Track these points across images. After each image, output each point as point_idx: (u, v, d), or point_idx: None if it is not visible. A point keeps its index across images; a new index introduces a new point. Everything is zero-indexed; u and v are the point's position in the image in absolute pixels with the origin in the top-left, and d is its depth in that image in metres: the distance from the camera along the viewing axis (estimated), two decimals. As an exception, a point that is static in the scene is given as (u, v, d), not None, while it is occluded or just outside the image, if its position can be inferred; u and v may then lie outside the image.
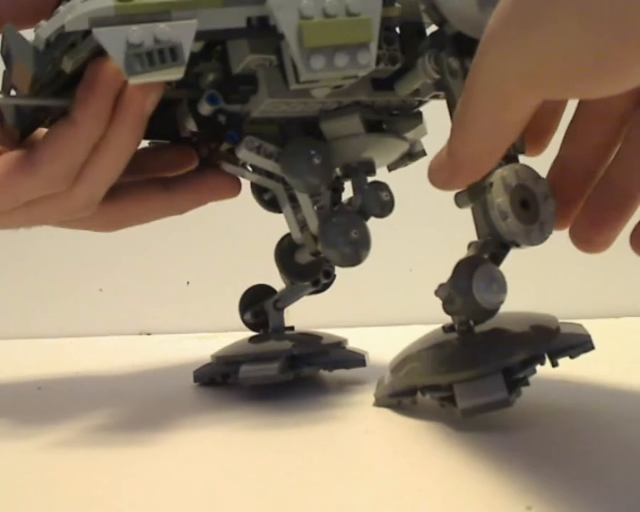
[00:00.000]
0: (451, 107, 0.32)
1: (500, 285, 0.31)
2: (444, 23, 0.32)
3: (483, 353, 0.30)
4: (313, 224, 0.38)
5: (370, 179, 0.37)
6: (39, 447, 0.31)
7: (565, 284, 0.67)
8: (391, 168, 0.41)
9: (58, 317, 0.69)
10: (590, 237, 0.31)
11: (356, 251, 0.35)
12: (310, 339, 0.42)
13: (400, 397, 0.34)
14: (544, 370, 0.36)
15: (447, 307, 0.31)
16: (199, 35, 0.30)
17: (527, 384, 0.30)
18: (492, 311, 0.31)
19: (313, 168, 0.35)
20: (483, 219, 0.31)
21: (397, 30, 0.35)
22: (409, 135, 0.38)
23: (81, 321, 0.69)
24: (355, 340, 0.47)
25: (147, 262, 0.70)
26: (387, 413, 0.34)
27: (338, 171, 0.38)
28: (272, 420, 0.35)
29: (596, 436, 0.30)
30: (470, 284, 0.30)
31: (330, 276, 0.43)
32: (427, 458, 0.28)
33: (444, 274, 0.31)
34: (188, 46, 0.29)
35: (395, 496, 0.24)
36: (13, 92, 0.33)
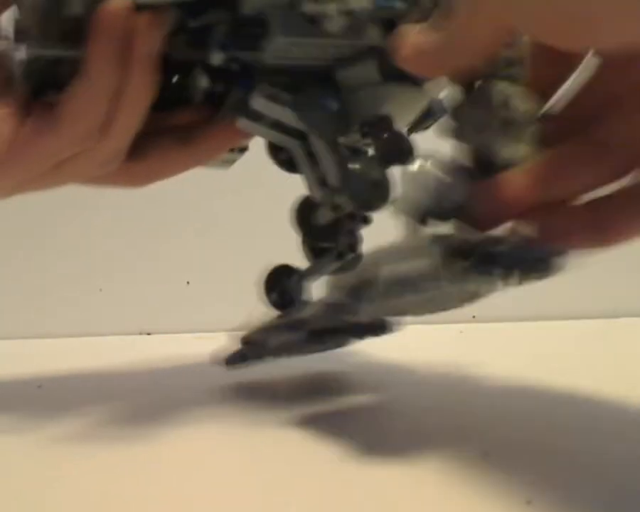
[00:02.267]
0: None
1: None
2: None
3: None
4: (332, 174, 0.36)
5: None
6: (38, 444, 0.31)
7: (565, 283, 0.67)
8: (412, 130, 0.40)
9: (58, 317, 0.69)
10: None
11: (378, 193, 0.34)
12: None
13: None
14: (544, 369, 0.36)
15: None
16: None
17: None
18: None
19: (330, 113, 0.34)
20: None
21: None
22: (429, 87, 0.36)
23: (81, 321, 0.69)
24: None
25: (147, 262, 0.70)
26: (389, 413, 0.35)
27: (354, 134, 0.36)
28: (274, 419, 0.35)
29: (596, 432, 0.31)
30: None
31: (355, 250, 0.42)
32: (428, 453, 0.28)
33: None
34: None
35: (394, 490, 0.24)
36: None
